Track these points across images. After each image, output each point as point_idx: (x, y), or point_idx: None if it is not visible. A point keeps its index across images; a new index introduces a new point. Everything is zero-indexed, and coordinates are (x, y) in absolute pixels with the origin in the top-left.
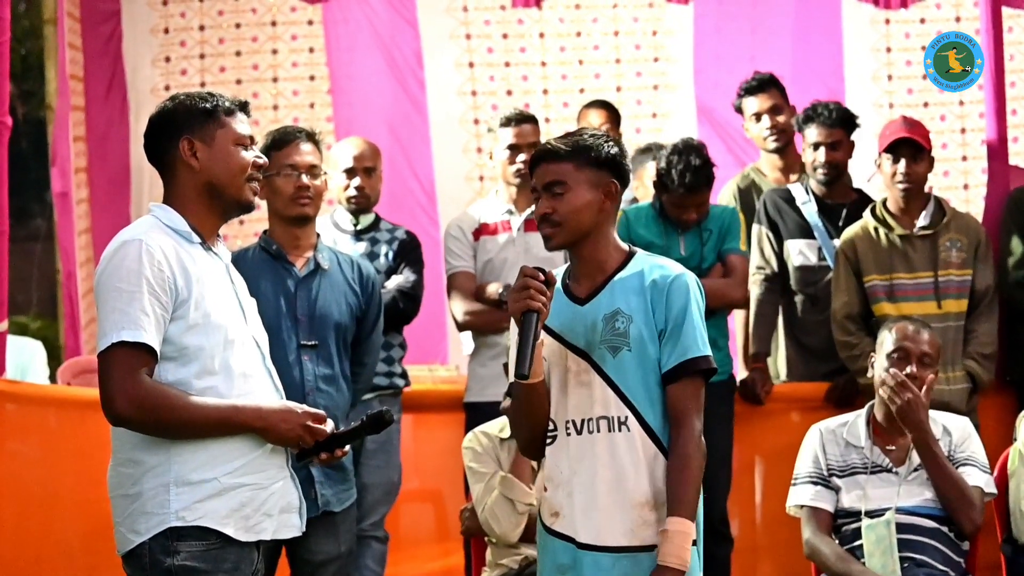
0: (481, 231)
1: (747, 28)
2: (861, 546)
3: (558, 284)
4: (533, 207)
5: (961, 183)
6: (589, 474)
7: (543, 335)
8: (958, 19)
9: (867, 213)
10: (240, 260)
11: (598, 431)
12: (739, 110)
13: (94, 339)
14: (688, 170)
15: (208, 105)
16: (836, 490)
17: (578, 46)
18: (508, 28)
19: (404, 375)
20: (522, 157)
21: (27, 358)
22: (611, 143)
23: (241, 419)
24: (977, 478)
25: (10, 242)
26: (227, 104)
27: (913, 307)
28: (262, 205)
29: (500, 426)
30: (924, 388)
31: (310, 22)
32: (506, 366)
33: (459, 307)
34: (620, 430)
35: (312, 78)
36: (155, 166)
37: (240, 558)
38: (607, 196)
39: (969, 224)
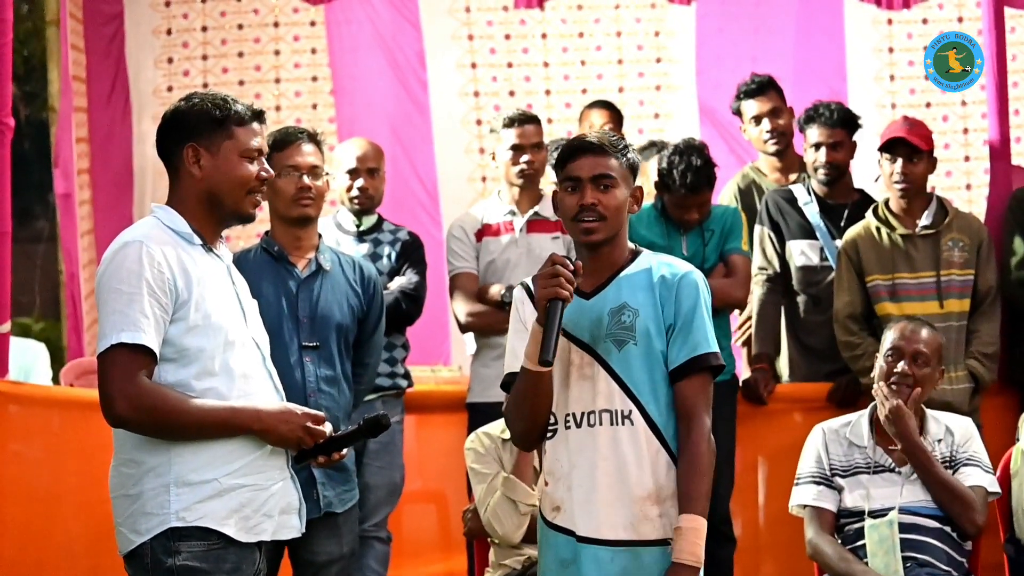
0: (484, 232)
1: (749, 28)
2: (864, 546)
3: None
4: (536, 208)
5: (964, 183)
6: (589, 467)
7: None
8: (960, 19)
9: (869, 213)
10: (242, 261)
11: (600, 424)
12: (737, 112)
13: (96, 340)
14: (689, 170)
15: (219, 113)
16: (839, 490)
17: (580, 47)
18: (510, 29)
19: (407, 376)
20: (525, 158)
21: (30, 360)
22: (635, 150)
23: (240, 421)
24: (980, 478)
25: (13, 243)
26: (240, 113)
27: (915, 307)
28: (264, 206)
29: (502, 427)
30: (916, 390)
31: (312, 23)
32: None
33: (462, 308)
34: (624, 424)
35: (315, 79)
36: (164, 163)
37: (241, 558)
38: (634, 199)
39: (971, 224)
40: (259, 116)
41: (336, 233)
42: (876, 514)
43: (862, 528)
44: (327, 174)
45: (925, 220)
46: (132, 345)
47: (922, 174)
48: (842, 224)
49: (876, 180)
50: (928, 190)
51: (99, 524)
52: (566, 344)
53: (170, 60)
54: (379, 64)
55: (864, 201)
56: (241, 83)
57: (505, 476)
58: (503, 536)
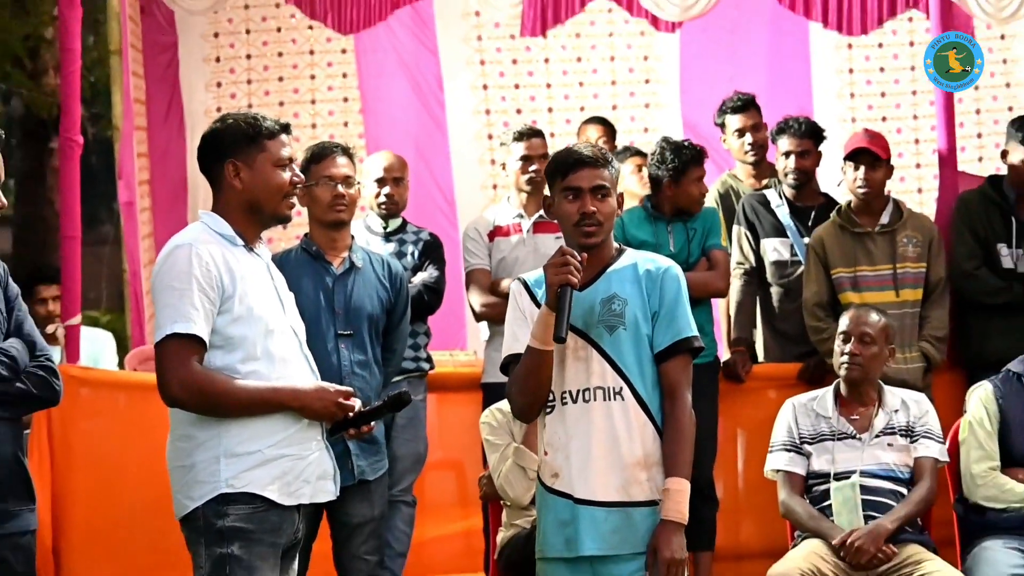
0: (495, 233)
1: (727, 53)
2: (830, 505)
3: None
4: (541, 212)
5: (915, 187)
6: (584, 438)
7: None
8: (912, 43)
9: (834, 213)
10: (284, 260)
11: (594, 400)
12: (720, 125)
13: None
14: (683, 146)
15: (251, 130)
16: (807, 456)
17: (579, 70)
18: (517, 55)
19: (429, 359)
20: (533, 167)
21: (99, 348)
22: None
23: (279, 398)
24: (932, 449)
25: (82, 246)
26: (269, 127)
27: (874, 296)
28: (303, 211)
29: None
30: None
31: (344, 51)
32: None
33: (476, 300)
34: (615, 399)
35: (346, 100)
36: (205, 177)
37: (282, 519)
38: (618, 203)
39: (923, 223)
40: (286, 128)
41: (366, 234)
42: (840, 476)
43: (828, 489)
44: (358, 183)
45: (883, 220)
46: (184, 335)
47: (881, 180)
48: (809, 224)
49: (839, 184)
50: (885, 193)
51: (159, 491)
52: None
53: (219, 84)
54: (402, 86)
55: (828, 204)
56: (281, 104)
57: (516, 446)
58: (514, 499)
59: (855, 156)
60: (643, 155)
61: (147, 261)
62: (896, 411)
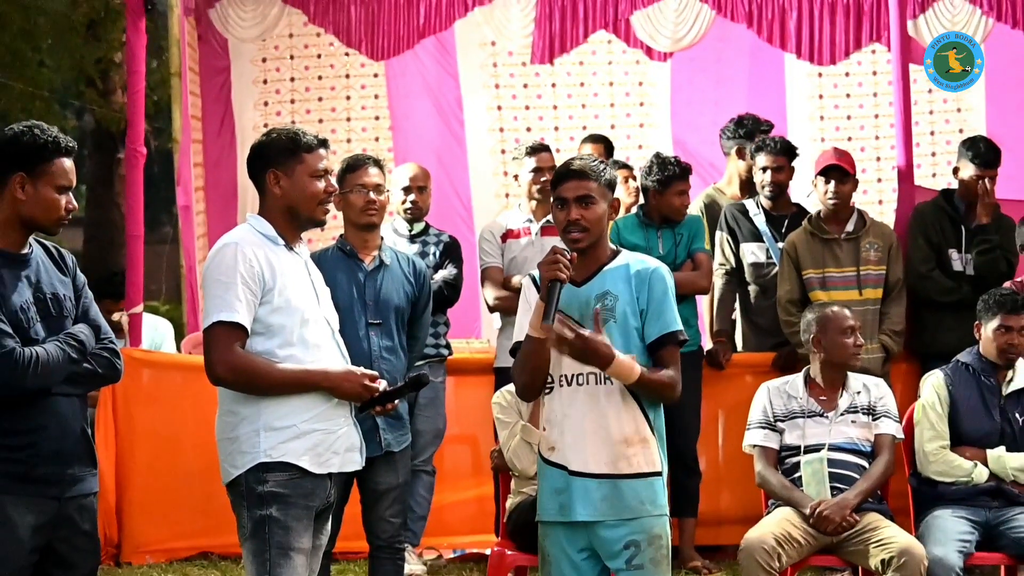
0: (507, 235)
1: (712, 80)
2: (800, 477)
3: None
4: (549, 217)
5: (877, 199)
6: (578, 416)
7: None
8: (875, 72)
9: (805, 221)
10: (321, 258)
11: (587, 383)
12: (740, 152)
13: None
14: (669, 162)
15: (291, 144)
16: (780, 432)
17: (581, 93)
18: (528, 80)
19: (448, 346)
20: (543, 178)
21: (161, 335)
22: (611, 169)
23: (312, 380)
24: (890, 427)
25: (144, 244)
26: (308, 142)
27: (840, 295)
28: (339, 215)
29: None
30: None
31: (375, 75)
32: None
33: (490, 294)
34: (605, 383)
35: (377, 118)
36: (253, 183)
37: (315, 486)
38: (612, 209)
39: (884, 231)
40: (324, 143)
41: (394, 236)
42: (810, 449)
43: (798, 463)
44: (387, 191)
45: (849, 227)
46: (228, 322)
47: (849, 192)
48: (783, 231)
49: (808, 196)
50: (851, 205)
51: (209, 460)
52: (561, 321)
53: (266, 103)
54: (427, 107)
55: (800, 213)
56: (320, 121)
57: (523, 424)
58: (521, 470)
59: (826, 172)
60: (628, 168)
61: (201, 258)
62: (858, 392)
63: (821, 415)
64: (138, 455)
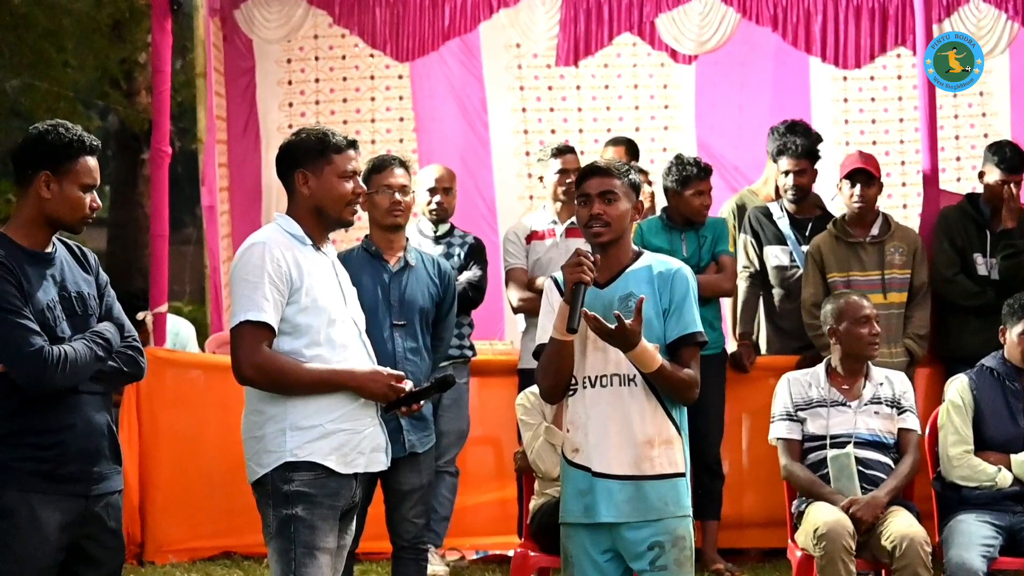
0: (532, 237)
1: (737, 83)
2: (826, 473)
3: None
4: (574, 218)
5: (901, 204)
6: (602, 418)
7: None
8: (900, 76)
9: (830, 225)
10: (346, 258)
11: (611, 385)
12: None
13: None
14: (688, 162)
15: (320, 145)
16: (802, 422)
17: (606, 96)
18: (552, 82)
19: (472, 347)
20: (569, 179)
21: (183, 340)
22: (637, 171)
23: (338, 380)
24: (915, 423)
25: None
26: (337, 143)
27: None
28: (363, 215)
29: None
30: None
31: (400, 76)
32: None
33: (515, 295)
34: (629, 385)
35: (401, 119)
36: (281, 183)
37: (340, 485)
38: (635, 210)
39: (909, 234)
40: (353, 144)
41: (419, 237)
42: (835, 438)
43: (824, 457)
44: (413, 192)
45: (874, 231)
46: (256, 322)
47: (874, 196)
48: (807, 234)
49: (832, 199)
50: (876, 208)
51: (232, 460)
52: (584, 323)
53: (291, 104)
54: (451, 108)
55: (824, 216)
56: (344, 122)
57: (546, 425)
58: (545, 472)
59: (852, 175)
60: (644, 172)
61: (226, 258)
62: (881, 384)
63: (844, 404)
64: (161, 454)
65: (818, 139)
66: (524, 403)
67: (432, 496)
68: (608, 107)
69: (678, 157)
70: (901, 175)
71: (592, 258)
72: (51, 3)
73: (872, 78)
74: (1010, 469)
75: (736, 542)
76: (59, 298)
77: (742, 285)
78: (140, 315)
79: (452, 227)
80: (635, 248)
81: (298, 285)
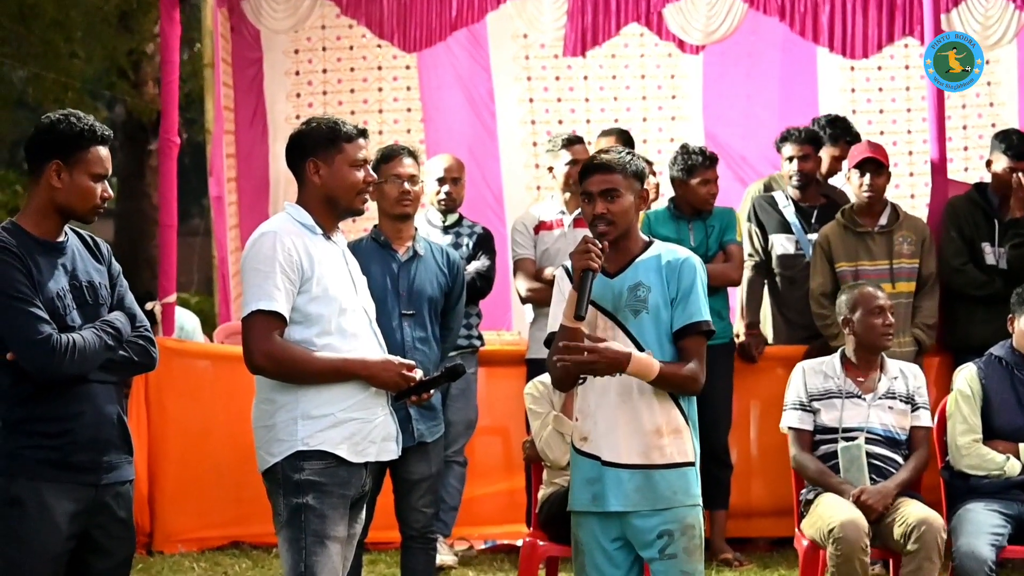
0: (540, 227)
1: (744, 73)
2: (836, 464)
3: None
4: (581, 208)
5: (909, 193)
6: (611, 407)
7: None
8: (907, 67)
9: (839, 214)
10: (355, 248)
11: (620, 374)
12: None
13: (240, 309)
14: (693, 151)
15: (331, 134)
16: (815, 412)
17: (613, 86)
18: (560, 72)
19: (480, 337)
20: (578, 169)
21: (189, 329)
22: (639, 158)
23: (350, 369)
24: (928, 419)
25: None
26: (348, 132)
27: None
28: (371, 206)
29: None
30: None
31: (407, 67)
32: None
33: (523, 285)
34: None
35: (409, 110)
36: (292, 172)
37: (351, 475)
38: (640, 199)
39: (917, 224)
40: (363, 133)
41: (427, 227)
42: (847, 431)
43: (834, 449)
44: (422, 182)
45: (882, 221)
46: (267, 311)
47: (883, 185)
48: (812, 222)
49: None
50: (884, 198)
51: (241, 450)
52: (594, 312)
53: (298, 95)
54: (459, 99)
55: (829, 204)
56: (352, 113)
57: (555, 414)
58: (553, 461)
59: (861, 165)
60: (648, 163)
61: (233, 248)
62: (895, 378)
63: (859, 397)
64: (170, 444)
65: (857, 137)
66: (533, 392)
67: (441, 486)
68: (615, 97)
69: (684, 146)
70: (909, 165)
71: (600, 245)
72: None
73: (880, 68)
74: (1019, 458)
75: (744, 531)
76: (70, 287)
77: (746, 275)
78: (149, 305)
79: (461, 217)
80: (644, 238)
81: (309, 274)
